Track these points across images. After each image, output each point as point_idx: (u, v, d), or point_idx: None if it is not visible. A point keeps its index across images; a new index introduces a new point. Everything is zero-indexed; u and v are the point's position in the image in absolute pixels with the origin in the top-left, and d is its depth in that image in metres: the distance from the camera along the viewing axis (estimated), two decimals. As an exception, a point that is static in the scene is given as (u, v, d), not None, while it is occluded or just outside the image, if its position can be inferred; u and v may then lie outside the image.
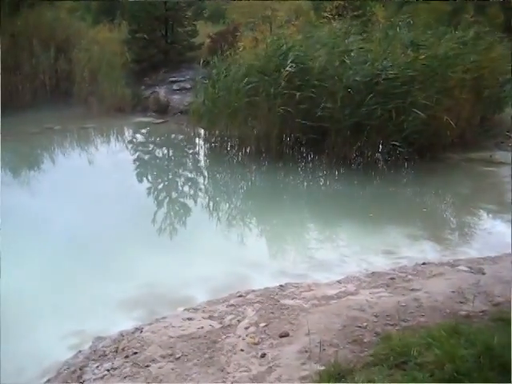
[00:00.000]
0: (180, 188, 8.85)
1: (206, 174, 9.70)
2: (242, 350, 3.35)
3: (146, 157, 10.94)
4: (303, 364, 3.13)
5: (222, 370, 3.16)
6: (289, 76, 8.74)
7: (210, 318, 3.90)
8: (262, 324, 3.71)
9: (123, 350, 3.58)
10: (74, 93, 13.56)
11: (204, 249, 6.12)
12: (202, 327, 3.72)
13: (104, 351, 3.64)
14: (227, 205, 8.07)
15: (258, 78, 9.18)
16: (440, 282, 4.44)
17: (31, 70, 13.50)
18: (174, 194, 8.47)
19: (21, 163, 10.11)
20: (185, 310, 4.21)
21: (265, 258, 5.94)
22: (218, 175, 9.64)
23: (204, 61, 11.61)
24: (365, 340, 3.36)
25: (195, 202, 7.97)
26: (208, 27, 17.23)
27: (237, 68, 9.86)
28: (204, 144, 10.72)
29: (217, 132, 10.28)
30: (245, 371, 3.12)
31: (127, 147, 11.48)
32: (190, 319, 3.88)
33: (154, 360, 3.35)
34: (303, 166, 9.42)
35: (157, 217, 7.08)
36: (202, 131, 11.17)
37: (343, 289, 4.45)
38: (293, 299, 4.18)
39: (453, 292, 4.12)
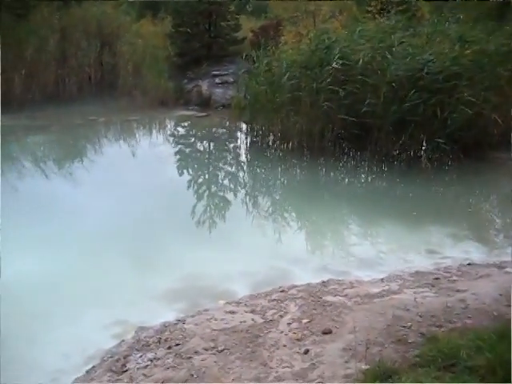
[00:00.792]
0: (220, 182, 8.88)
1: (246, 168, 9.70)
2: (284, 346, 3.34)
3: (187, 150, 11.01)
4: (347, 362, 3.10)
5: (265, 365, 3.16)
6: (333, 71, 8.66)
7: (253, 312, 3.90)
8: (305, 320, 3.69)
9: (166, 341, 3.61)
10: (118, 85, 13.78)
11: (244, 243, 6.12)
12: (245, 321, 3.73)
13: (147, 341, 3.68)
14: (267, 199, 8.05)
15: (301, 73, 9.12)
16: (486, 283, 4.33)
17: (77, 63, 13.76)
18: (213, 188, 8.50)
19: (65, 154, 10.33)
20: (227, 303, 4.23)
21: (305, 253, 5.90)
22: (258, 169, 9.64)
23: (247, 55, 11.60)
24: (409, 340, 3.30)
25: (235, 195, 7.98)
26: (251, 22, 17.22)
27: (280, 62, 9.83)
28: (245, 138, 10.73)
29: (258, 126, 10.27)
30: (287, 367, 3.11)
31: (169, 140, 11.59)
32: (232, 312, 3.89)
33: (196, 352, 3.37)
34: (344, 162, 9.33)
35: (196, 210, 7.11)
36: (243, 125, 11.19)
37: (386, 287, 4.39)
38: (335, 296, 4.14)
39: (500, 295, 4.01)
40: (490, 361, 2.55)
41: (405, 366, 2.86)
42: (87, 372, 3.60)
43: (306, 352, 3.26)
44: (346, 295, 4.15)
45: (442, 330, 3.37)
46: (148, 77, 13.47)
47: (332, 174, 8.92)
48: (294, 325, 3.62)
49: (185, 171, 9.34)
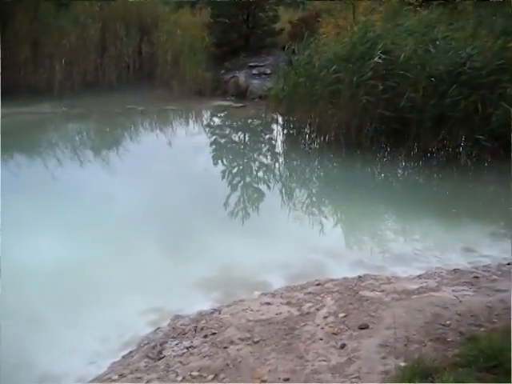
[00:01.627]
0: (254, 173, 8.87)
1: (281, 160, 9.67)
2: (320, 339, 3.33)
3: (223, 140, 11.04)
4: (384, 358, 3.07)
5: (301, 358, 3.15)
6: (374, 65, 8.56)
7: (288, 304, 3.89)
8: (341, 314, 3.66)
9: (202, 329, 3.64)
10: (156, 75, 13.91)
11: (278, 235, 6.10)
12: (281, 313, 3.72)
13: (183, 329, 3.71)
14: (302, 192, 8.01)
15: (342, 66, 9.03)
16: (528, 284, 4.23)
17: (116, 53, 13.93)
18: (247, 179, 8.50)
19: (101, 142, 10.49)
20: (262, 294, 4.23)
21: (341, 247, 5.85)
22: (293, 162, 9.60)
23: (285, 46, 11.53)
24: (448, 339, 3.25)
25: (269, 187, 7.97)
26: (289, 13, 17.10)
27: (319, 55, 9.75)
28: (281, 130, 10.70)
29: (295, 118, 10.22)
30: (324, 361, 3.10)
31: (204, 130, 11.65)
32: (268, 304, 3.89)
33: (232, 342, 3.38)
34: (381, 156, 9.21)
35: (230, 200, 7.14)
36: (279, 117, 11.16)
37: (424, 284, 4.32)
38: (372, 291, 4.10)
39: (543, 296, 3.91)
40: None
41: (444, 364, 2.81)
42: (124, 357, 3.65)
43: (343, 346, 3.24)
44: (382, 291, 4.11)
45: (483, 329, 3.30)
46: (186, 67, 13.55)
47: (368, 168, 8.83)
48: (331, 318, 3.59)
49: (219, 161, 9.36)
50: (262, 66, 13.90)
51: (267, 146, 10.58)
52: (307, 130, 10.04)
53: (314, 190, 8.23)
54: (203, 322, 3.74)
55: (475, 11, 11.37)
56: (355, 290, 4.12)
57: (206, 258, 5.40)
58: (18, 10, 13.04)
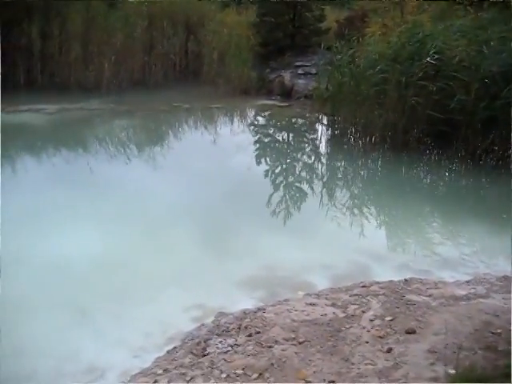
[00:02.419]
0: (297, 172, 8.83)
1: (325, 160, 9.61)
2: (366, 342, 3.28)
3: (266, 139, 11.03)
4: (432, 364, 3.00)
5: (346, 360, 3.11)
6: (424, 66, 8.41)
7: (333, 305, 3.86)
8: (388, 318, 3.61)
9: (246, 328, 3.63)
10: (202, 73, 14.03)
11: (322, 235, 6.08)
12: (326, 314, 3.69)
13: (227, 327, 3.72)
14: (345, 193, 7.91)
15: (389, 66, 8.91)
16: None
17: (163, 51, 14.10)
18: (290, 178, 8.47)
19: (146, 138, 10.63)
20: (307, 294, 4.21)
21: (385, 249, 5.78)
22: (337, 162, 9.52)
23: (330, 46, 11.45)
24: (499, 348, 3.15)
25: (312, 187, 7.90)
26: (335, 12, 16.99)
27: (365, 54, 9.65)
28: (326, 130, 10.63)
29: (340, 118, 10.14)
30: (370, 364, 3.05)
31: (249, 129, 11.67)
32: (312, 305, 3.86)
33: (276, 342, 3.37)
34: (428, 158, 9.03)
35: (272, 199, 7.12)
36: (324, 117, 11.09)
37: (472, 290, 4.22)
38: (419, 295, 4.03)
39: None
40: None
41: (495, 374, 2.73)
42: (168, 352, 3.68)
43: (389, 350, 3.18)
44: (430, 295, 4.02)
45: (535, 340, 3.19)
46: (231, 65, 13.60)
47: (414, 170, 8.68)
48: (377, 322, 3.54)
49: (263, 160, 9.34)
50: (307, 65, 13.82)
51: (311, 146, 10.54)
52: (352, 131, 9.95)
53: (357, 191, 8.14)
54: (247, 320, 3.74)
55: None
56: (401, 294, 4.05)
57: (248, 256, 5.41)
58: (71, 10, 13.34)
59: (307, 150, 10.36)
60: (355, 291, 4.14)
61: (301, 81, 13.35)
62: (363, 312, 3.71)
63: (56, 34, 13.09)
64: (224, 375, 3.09)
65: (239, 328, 3.66)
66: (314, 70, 13.17)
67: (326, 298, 4.02)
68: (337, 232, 6.18)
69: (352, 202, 7.47)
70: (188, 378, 3.10)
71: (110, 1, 14.00)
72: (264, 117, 12.70)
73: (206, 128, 11.39)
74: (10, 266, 5.01)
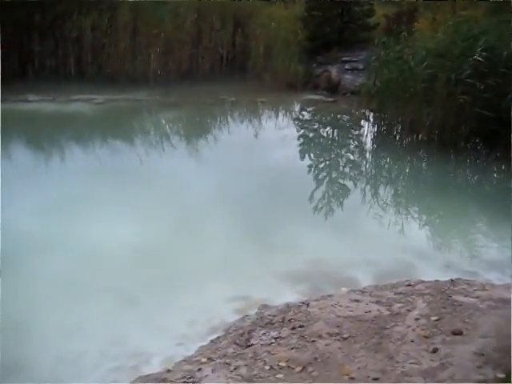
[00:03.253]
0: (341, 169, 8.76)
1: (369, 157, 9.50)
2: (412, 341, 3.25)
3: (311, 134, 10.99)
4: (479, 367, 2.95)
5: (391, 358, 3.09)
6: (475, 63, 8.22)
7: (378, 303, 3.83)
8: (434, 318, 3.56)
9: (289, 321, 3.65)
10: (248, 67, 14.05)
11: (365, 232, 6.03)
12: (370, 311, 3.67)
13: (270, 320, 3.74)
14: (389, 190, 7.83)
15: (438, 63, 8.73)
16: None
17: (211, 44, 14.20)
18: (333, 174, 8.41)
19: (191, 130, 10.73)
20: (351, 291, 4.19)
21: (429, 248, 5.71)
22: (382, 159, 9.40)
23: (378, 42, 11.30)
24: (550, 353, 3.08)
25: (355, 184, 7.84)
26: (384, 7, 16.72)
27: (413, 50, 9.49)
28: (372, 127, 10.52)
29: (386, 115, 10.01)
30: (415, 363, 3.02)
31: (293, 123, 11.64)
32: (357, 301, 3.85)
33: (320, 336, 3.37)
34: (476, 158, 8.84)
35: (314, 195, 7.09)
36: (370, 113, 10.98)
37: (521, 294, 4.12)
38: (465, 296, 3.95)
39: None
40: None
41: (546, 379, 2.67)
42: (212, 341, 3.73)
43: (435, 351, 3.14)
44: (477, 297, 3.95)
45: None
46: (278, 60, 13.56)
47: (461, 169, 8.50)
48: (422, 321, 3.50)
49: (307, 155, 9.31)
50: (354, 60, 13.66)
51: (356, 143, 10.44)
52: (398, 128, 9.82)
53: (401, 189, 8.03)
54: (291, 313, 3.75)
55: None
56: (448, 294, 3.99)
57: (291, 250, 5.43)
58: (122, 2, 13.57)
59: (351, 146, 10.28)
60: (400, 289, 4.10)
61: (348, 76, 13.21)
62: (408, 311, 3.67)
63: (106, 26, 13.34)
64: (267, 367, 3.11)
65: (283, 321, 3.67)
66: (361, 66, 13.01)
67: (371, 295, 4.00)
68: (380, 229, 6.13)
69: (395, 200, 7.40)
70: (232, 368, 3.13)
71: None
72: (309, 112, 12.64)
73: (250, 122, 11.42)
74: (52, 251, 5.20)
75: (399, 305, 3.77)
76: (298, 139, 10.27)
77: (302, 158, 9.13)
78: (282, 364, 3.11)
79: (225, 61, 14.44)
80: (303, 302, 3.97)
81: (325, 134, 11.01)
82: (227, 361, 3.25)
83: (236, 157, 8.79)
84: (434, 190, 7.69)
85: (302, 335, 3.41)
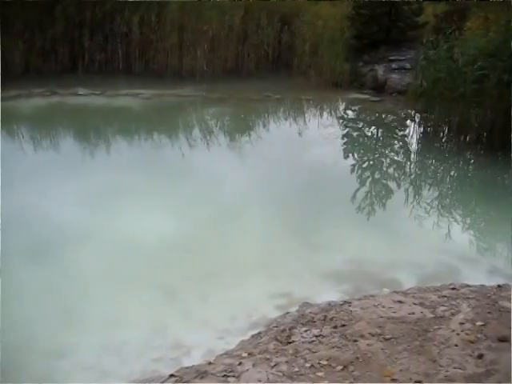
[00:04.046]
0: (384, 169, 8.64)
1: (414, 158, 9.35)
2: (456, 346, 3.19)
3: (355, 133, 10.90)
4: (526, 376, 2.88)
5: (434, 362, 3.05)
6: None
7: (421, 305, 3.78)
8: (479, 323, 3.48)
9: (331, 320, 3.64)
10: (294, 64, 14.00)
11: (407, 234, 5.97)
12: (413, 313, 3.62)
13: (312, 318, 3.73)
14: (433, 192, 7.66)
15: (489, 63, 8.53)
16: None
17: (257, 41, 14.21)
18: (377, 175, 8.31)
19: (235, 126, 10.78)
20: (394, 292, 4.15)
21: (474, 252, 5.62)
22: (427, 161, 9.25)
23: (427, 41, 11.10)
24: None
25: (398, 185, 7.75)
26: (434, 6, 16.37)
27: (463, 49, 9.29)
28: (418, 127, 10.36)
29: (433, 116, 9.84)
30: (459, 368, 2.97)
31: (337, 122, 11.55)
32: (400, 302, 3.80)
33: (362, 336, 3.35)
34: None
35: (357, 195, 7.05)
36: (416, 114, 10.81)
37: None
38: (513, 303, 3.86)
39: None
40: None
41: None
42: (253, 336, 3.76)
43: (480, 356, 3.08)
44: (525, 304, 3.85)
45: None
46: (324, 58, 13.49)
47: (510, 173, 8.27)
48: (467, 326, 3.44)
49: (350, 155, 9.24)
50: (402, 60, 13.43)
51: (400, 143, 10.30)
52: (445, 129, 9.64)
53: (445, 191, 7.88)
54: (333, 312, 3.74)
55: None
56: (494, 300, 3.90)
57: (333, 248, 5.42)
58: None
59: (396, 146, 10.15)
60: (444, 292, 4.03)
61: (394, 75, 13.02)
62: (453, 314, 3.60)
63: (154, 22, 13.52)
64: (308, 364, 3.11)
65: (324, 319, 3.66)
66: (408, 65, 12.79)
67: (414, 297, 3.94)
68: (423, 231, 6.06)
69: (440, 202, 7.25)
70: (272, 364, 3.14)
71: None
72: (354, 111, 12.54)
73: (294, 119, 11.40)
74: (93, 241, 5.34)
75: (443, 308, 3.71)
76: (342, 138, 10.19)
77: (346, 157, 9.07)
78: (323, 362, 3.11)
79: (270, 58, 14.42)
80: (345, 301, 3.95)
81: (369, 134, 10.90)
82: (268, 356, 3.26)
83: (279, 154, 8.79)
84: (480, 193, 7.53)
85: (343, 334, 3.40)
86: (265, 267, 5.01)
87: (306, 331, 3.53)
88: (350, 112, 12.57)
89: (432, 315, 3.60)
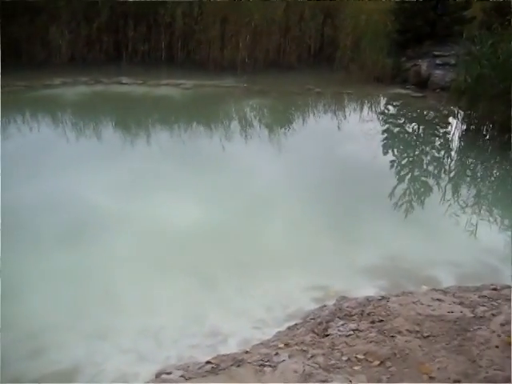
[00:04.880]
0: (424, 166, 8.52)
1: (454, 156, 9.19)
2: (496, 347, 3.14)
3: (396, 129, 10.76)
4: None
5: (473, 362, 3.01)
6: None
7: (461, 304, 3.73)
8: (520, 325, 3.43)
9: (369, 314, 3.63)
10: (335, 58, 13.93)
11: (445, 232, 5.92)
12: (452, 312, 3.58)
13: (349, 311, 3.74)
14: (472, 191, 7.54)
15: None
16: None
17: (299, 34, 14.17)
18: (416, 172, 8.20)
19: (274, 119, 10.79)
20: (433, 289, 4.11)
21: (515, 254, 5.52)
22: (468, 159, 9.08)
23: (472, 36, 10.86)
24: None
25: (438, 182, 7.62)
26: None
27: (509, 44, 9.06)
28: (460, 125, 10.17)
29: (476, 113, 9.64)
30: (499, 370, 2.92)
31: (378, 117, 11.43)
32: (439, 300, 3.76)
33: (400, 332, 3.33)
34: None
35: (395, 191, 6.98)
36: (459, 111, 10.61)
37: None
38: (556, 306, 3.78)
39: None
40: None
41: None
42: (289, 328, 3.79)
43: (522, 359, 3.03)
44: None
45: None
46: (366, 52, 13.37)
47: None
48: (508, 327, 3.37)
49: (389, 151, 9.15)
50: (446, 55, 13.14)
51: (441, 140, 10.13)
52: (488, 127, 9.44)
53: (486, 191, 7.73)
54: (370, 307, 3.73)
55: None
56: (537, 302, 3.83)
57: (371, 244, 5.41)
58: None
59: (437, 143, 9.98)
60: (484, 293, 3.97)
61: (438, 71, 12.78)
62: (493, 315, 3.55)
63: (197, 13, 13.61)
64: (345, 358, 3.11)
65: (362, 314, 3.66)
66: (452, 61, 12.50)
67: (453, 296, 3.90)
68: (462, 230, 5.96)
69: (480, 202, 7.15)
70: (309, 356, 3.15)
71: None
72: (395, 106, 12.38)
73: (335, 113, 11.35)
74: (131, 227, 5.45)
75: (483, 308, 3.65)
76: (382, 133, 10.09)
77: (385, 152, 8.98)
78: (360, 356, 3.11)
79: (312, 51, 14.40)
80: (383, 297, 3.93)
81: (410, 130, 10.76)
82: (304, 348, 3.28)
83: (318, 147, 8.78)
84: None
85: (381, 329, 3.39)
86: (301, 259, 5.03)
87: (342, 325, 3.53)
88: (390, 107, 12.42)
89: (472, 315, 3.56)
